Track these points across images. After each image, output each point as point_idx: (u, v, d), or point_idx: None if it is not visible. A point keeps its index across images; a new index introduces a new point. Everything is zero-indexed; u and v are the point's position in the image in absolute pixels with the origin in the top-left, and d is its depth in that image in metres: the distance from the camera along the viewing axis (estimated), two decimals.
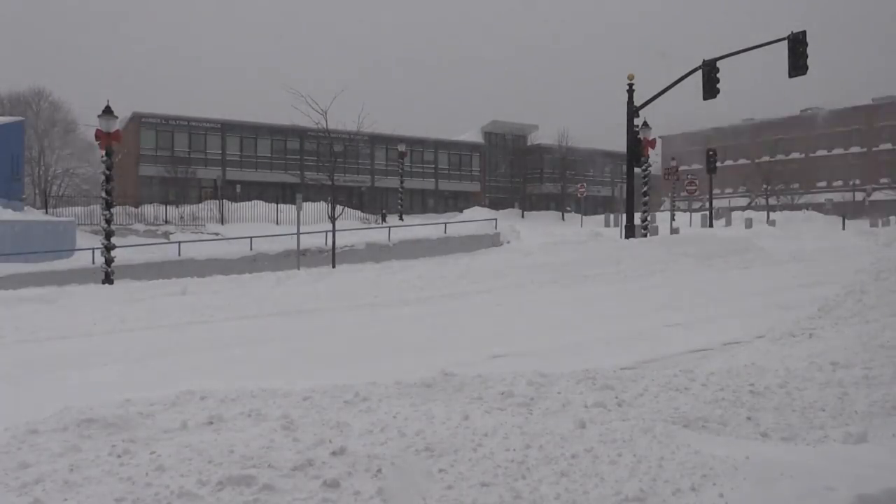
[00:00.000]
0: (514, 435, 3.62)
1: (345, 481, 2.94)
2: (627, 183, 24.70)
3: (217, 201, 39.35)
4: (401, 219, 40.31)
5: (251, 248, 24.31)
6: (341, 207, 21.60)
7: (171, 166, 46.83)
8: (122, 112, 34.45)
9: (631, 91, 23.73)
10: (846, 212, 47.24)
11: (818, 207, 56.14)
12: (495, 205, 60.06)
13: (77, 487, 2.89)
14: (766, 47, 21.80)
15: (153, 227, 33.59)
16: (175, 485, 2.87)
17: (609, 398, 4.51)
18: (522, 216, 52.26)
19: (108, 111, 16.59)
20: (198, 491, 2.82)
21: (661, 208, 48.90)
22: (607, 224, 38.98)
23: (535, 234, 30.92)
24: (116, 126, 16.90)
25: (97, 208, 27.95)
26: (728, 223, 40.76)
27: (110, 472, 3.03)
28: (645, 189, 25.39)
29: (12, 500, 2.82)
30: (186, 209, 38.02)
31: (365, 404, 4.08)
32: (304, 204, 23.83)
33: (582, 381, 4.91)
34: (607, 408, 4.31)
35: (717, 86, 22.05)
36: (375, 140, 54.51)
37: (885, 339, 6.29)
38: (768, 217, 43.93)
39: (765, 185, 61.28)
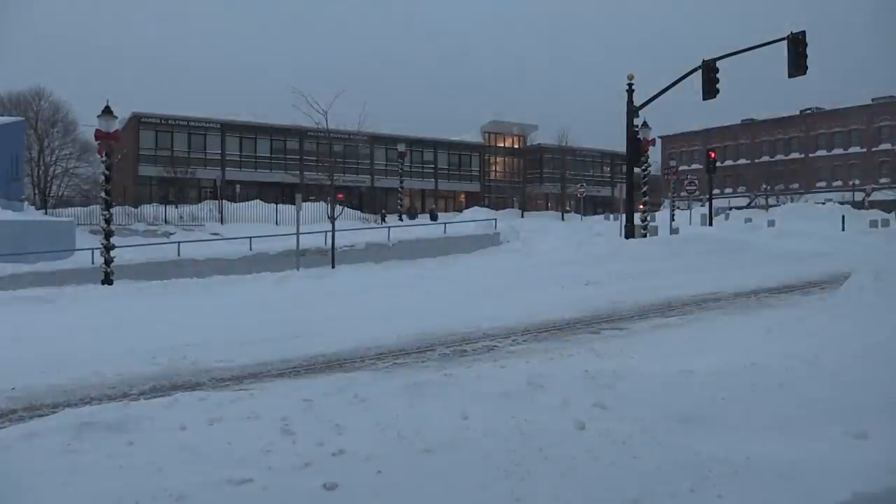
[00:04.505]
0: (513, 435, 3.61)
1: (344, 483, 2.93)
2: (627, 183, 24.67)
3: (217, 201, 39.36)
4: (400, 219, 40.32)
5: (251, 249, 24.29)
6: (341, 207, 21.57)
7: (171, 166, 46.86)
8: (122, 112, 34.47)
9: (630, 91, 23.71)
10: (845, 212, 47.16)
11: None
12: (495, 205, 60.11)
13: (76, 489, 2.88)
14: (766, 47, 21.80)
15: (153, 227, 33.59)
16: (174, 487, 2.86)
17: (609, 398, 4.51)
18: (522, 216, 52.26)
19: (107, 111, 16.56)
20: (197, 493, 2.82)
21: (661, 208, 48.88)
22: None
23: (534, 234, 30.90)
24: (116, 126, 16.88)
25: (97, 208, 27.95)
26: (725, 221, 40.76)
27: (109, 473, 3.03)
28: (645, 189, 25.38)
29: (12, 501, 2.82)
30: (186, 209, 38.06)
31: (364, 405, 4.08)
32: (304, 204, 23.82)
33: (581, 380, 4.91)
34: (606, 408, 4.30)
35: (717, 86, 22.05)
36: (375, 140, 54.55)
37: (884, 337, 6.29)
38: (766, 210, 43.98)
39: (765, 185, 61.35)
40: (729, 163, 72.63)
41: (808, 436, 4.28)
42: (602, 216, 46.40)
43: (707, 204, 42.00)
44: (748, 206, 56.86)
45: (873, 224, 34.69)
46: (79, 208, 40.01)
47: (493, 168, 67.93)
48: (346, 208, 28.41)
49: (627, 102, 23.77)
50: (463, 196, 64.23)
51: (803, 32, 20.42)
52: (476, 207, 50.19)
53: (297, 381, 7.47)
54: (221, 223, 35.72)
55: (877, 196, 58.92)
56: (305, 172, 43.58)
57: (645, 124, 24.02)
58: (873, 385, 5.09)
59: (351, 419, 3.78)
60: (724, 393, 4.84)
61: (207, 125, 52.50)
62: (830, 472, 3.59)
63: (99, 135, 16.55)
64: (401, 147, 45.48)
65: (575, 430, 3.80)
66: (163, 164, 47.83)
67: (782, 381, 5.13)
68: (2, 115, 41.65)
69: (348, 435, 3.52)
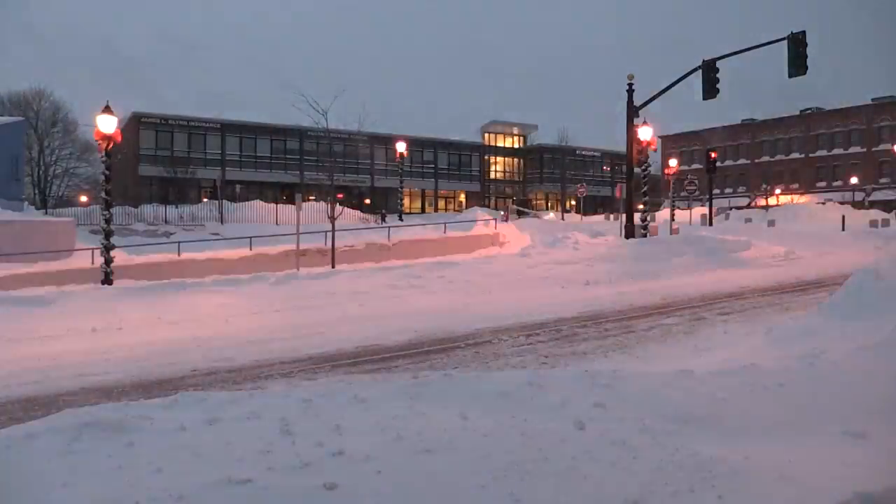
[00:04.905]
0: (512, 436, 3.61)
1: (344, 483, 2.93)
2: (627, 183, 24.69)
3: (217, 201, 39.33)
4: (400, 219, 40.27)
5: (251, 249, 24.26)
6: (341, 207, 21.55)
7: (171, 166, 46.84)
8: (122, 112, 34.42)
9: (631, 91, 23.72)
10: (845, 211, 47.17)
11: None
12: (495, 205, 60.13)
13: (76, 490, 2.88)
14: (767, 47, 21.80)
15: (153, 227, 33.56)
16: (174, 487, 2.86)
17: (608, 398, 4.51)
18: (522, 216, 52.28)
19: (107, 111, 16.55)
20: (196, 493, 2.82)
21: (661, 208, 48.88)
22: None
23: (534, 233, 30.89)
24: (116, 126, 16.84)
25: (97, 208, 27.90)
26: (725, 222, 40.79)
27: (109, 474, 3.03)
28: (645, 189, 25.38)
29: (12, 503, 2.82)
30: (186, 209, 38.02)
31: (363, 405, 4.08)
32: (304, 204, 23.78)
33: (581, 380, 4.90)
34: (606, 408, 4.30)
35: (717, 86, 22.04)
36: (375, 140, 54.54)
37: (883, 337, 6.29)
38: (766, 215, 44.06)
39: (765, 185, 61.36)
40: (729, 163, 72.61)
41: (807, 436, 4.28)
42: (602, 216, 46.36)
43: (707, 204, 42.00)
44: (748, 206, 56.84)
45: (873, 224, 34.67)
46: (79, 208, 40.02)
47: (493, 168, 67.94)
48: (346, 208, 28.38)
49: (627, 102, 23.77)
50: (463, 196, 64.25)
51: (803, 32, 20.41)
52: (476, 207, 50.17)
53: (297, 380, 7.48)
54: (221, 223, 35.68)
55: (877, 196, 58.93)
56: (305, 172, 43.58)
57: (645, 124, 24.03)
58: (872, 385, 5.10)
59: (350, 419, 3.78)
60: (723, 393, 4.84)
61: (207, 125, 52.50)
62: (830, 472, 3.59)
63: (99, 135, 16.52)
64: (401, 147, 45.42)
65: (574, 430, 3.80)
66: (163, 164, 47.82)
67: (781, 381, 5.14)
68: (2, 115, 41.65)
69: (348, 435, 3.52)
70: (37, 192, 51.70)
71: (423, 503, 2.87)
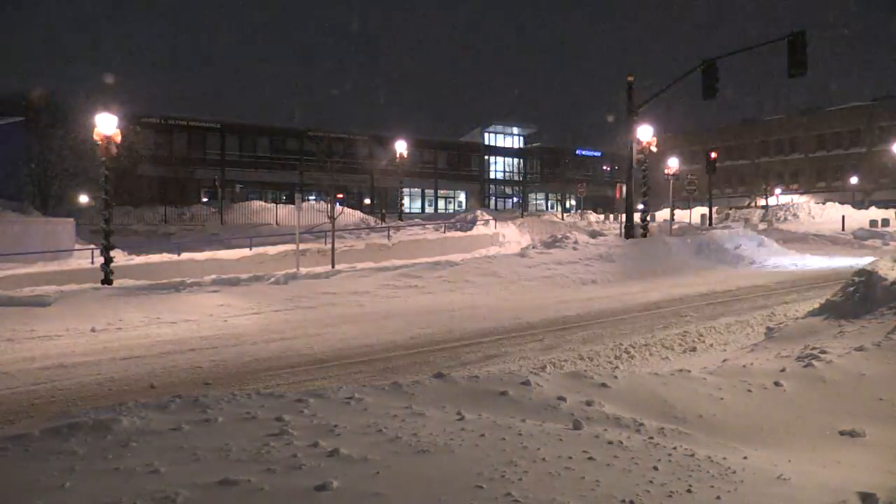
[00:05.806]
0: (509, 436, 3.61)
1: (339, 484, 2.93)
2: (627, 183, 24.68)
3: (216, 201, 39.36)
4: (400, 219, 40.29)
5: (251, 249, 24.28)
6: (341, 207, 21.55)
7: (171, 166, 46.82)
8: (122, 112, 34.41)
9: (630, 91, 23.71)
10: (845, 212, 47.16)
11: None
12: (495, 205, 60.16)
13: (72, 491, 2.88)
14: (767, 47, 21.78)
15: (153, 228, 33.58)
16: (170, 488, 2.86)
17: (605, 398, 4.51)
18: (521, 216, 52.34)
19: (107, 111, 16.53)
20: (192, 494, 2.81)
21: (661, 207, 48.86)
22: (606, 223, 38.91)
23: (534, 233, 30.90)
24: (116, 126, 16.82)
25: (97, 208, 27.87)
26: (725, 221, 40.81)
27: (105, 475, 3.02)
28: (644, 189, 25.37)
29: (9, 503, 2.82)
30: (186, 209, 38.05)
31: (359, 405, 4.08)
32: (304, 204, 23.78)
33: (578, 380, 4.91)
34: (603, 408, 4.31)
35: (717, 85, 22.01)
36: (375, 140, 54.57)
37: (880, 338, 6.29)
38: (766, 215, 44.09)
39: (764, 185, 61.39)
40: (729, 163, 72.62)
41: (805, 436, 4.29)
42: (602, 216, 46.36)
43: (707, 204, 41.98)
44: (748, 206, 56.83)
45: (873, 224, 34.68)
46: (79, 208, 40.05)
47: (493, 168, 68.02)
48: (346, 208, 28.39)
49: (627, 102, 23.77)
50: (463, 196, 64.33)
51: (803, 32, 20.39)
52: (476, 207, 50.17)
53: (293, 380, 7.49)
54: (221, 223, 35.70)
55: (877, 196, 58.92)
56: (305, 172, 43.59)
57: (645, 124, 24.01)
58: (869, 386, 5.10)
59: (346, 420, 3.78)
60: (720, 393, 4.84)
61: (207, 125, 52.51)
62: (827, 472, 3.59)
63: (98, 135, 16.51)
64: (401, 147, 45.44)
65: (571, 430, 3.80)
66: (163, 164, 47.80)
67: (779, 381, 5.14)
68: (2, 115, 41.61)
69: (343, 436, 3.52)
70: (37, 192, 51.65)
71: None
